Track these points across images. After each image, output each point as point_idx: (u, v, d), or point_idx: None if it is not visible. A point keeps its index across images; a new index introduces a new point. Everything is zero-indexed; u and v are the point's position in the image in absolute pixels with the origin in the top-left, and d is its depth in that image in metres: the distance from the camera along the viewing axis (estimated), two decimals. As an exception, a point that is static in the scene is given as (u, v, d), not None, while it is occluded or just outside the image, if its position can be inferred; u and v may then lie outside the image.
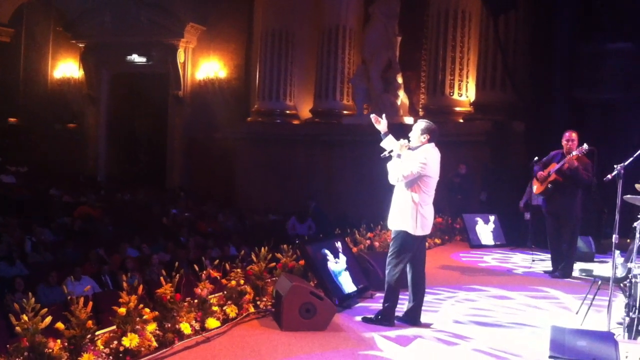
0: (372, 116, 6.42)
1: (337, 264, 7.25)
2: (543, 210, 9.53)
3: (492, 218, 12.67)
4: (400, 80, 17.38)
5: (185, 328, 5.34)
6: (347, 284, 7.20)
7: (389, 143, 6.30)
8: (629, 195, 6.11)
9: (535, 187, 9.52)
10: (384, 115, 6.48)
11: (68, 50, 22.51)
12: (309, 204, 16.01)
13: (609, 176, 6.20)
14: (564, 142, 9.02)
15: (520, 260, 10.88)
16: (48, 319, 4.39)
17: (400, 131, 6.50)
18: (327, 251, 7.25)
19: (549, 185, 9.06)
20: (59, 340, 4.49)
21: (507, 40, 15.35)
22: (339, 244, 7.66)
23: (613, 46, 14.00)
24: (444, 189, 13.69)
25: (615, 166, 6.08)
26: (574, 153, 8.77)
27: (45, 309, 4.42)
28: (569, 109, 13.89)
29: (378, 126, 6.36)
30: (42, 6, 22.60)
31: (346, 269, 7.35)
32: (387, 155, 6.29)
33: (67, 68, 22.74)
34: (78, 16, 21.68)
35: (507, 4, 14.24)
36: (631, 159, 6.23)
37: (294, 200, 16.72)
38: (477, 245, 12.21)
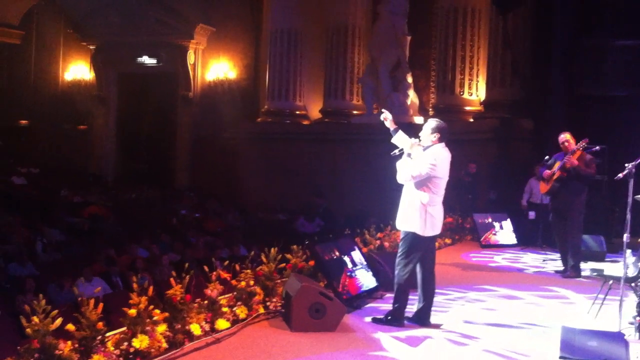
0: (383, 111, 6.44)
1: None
2: (549, 207, 9.53)
3: (505, 223, 12.61)
4: (409, 79, 17.31)
5: (195, 329, 5.35)
6: (366, 280, 7.34)
7: (399, 139, 6.29)
8: (639, 196, 6.08)
9: (541, 187, 9.58)
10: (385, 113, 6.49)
11: (79, 52, 22.57)
12: (318, 203, 15.98)
13: (620, 175, 6.17)
14: (560, 145, 9.10)
15: (530, 260, 10.84)
16: (58, 321, 4.41)
17: (409, 131, 6.49)
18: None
19: (555, 183, 9.09)
20: (69, 342, 4.51)
21: (514, 36, 15.30)
22: (349, 243, 7.69)
23: (617, 42, 13.95)
24: (455, 188, 13.71)
25: (626, 165, 6.06)
26: (575, 149, 8.83)
27: (56, 311, 4.44)
28: (573, 105, 13.86)
29: (387, 123, 6.36)
30: (52, 8, 22.63)
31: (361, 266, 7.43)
32: (397, 153, 6.29)
33: (78, 70, 22.79)
34: (87, 17, 21.71)
35: (515, 1, 14.22)
36: (642, 157, 6.19)
37: (303, 200, 16.70)
38: (488, 245, 12.17)
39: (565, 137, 9.10)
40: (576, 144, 8.93)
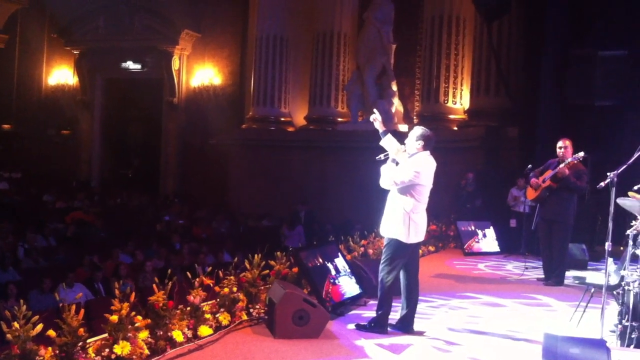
0: (375, 112, 6.50)
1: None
2: (537, 215, 9.53)
3: (488, 231, 12.69)
4: (394, 87, 17.39)
5: (178, 336, 5.32)
6: (349, 287, 7.34)
7: (387, 142, 6.32)
8: (620, 198, 6.11)
9: (528, 193, 9.60)
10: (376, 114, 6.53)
11: (62, 56, 22.48)
12: (299, 209, 16.03)
13: (602, 184, 6.21)
14: (557, 149, 9.07)
15: (513, 268, 10.89)
16: (39, 327, 4.37)
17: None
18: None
19: (544, 191, 9.09)
20: (50, 348, 4.47)
21: (500, 46, 15.40)
22: (333, 250, 7.69)
23: (606, 53, 14.05)
24: (454, 198, 13.78)
25: (608, 174, 6.09)
26: (569, 160, 8.82)
27: (37, 316, 4.41)
28: (561, 114, 13.94)
29: (376, 124, 6.39)
30: (37, 12, 22.54)
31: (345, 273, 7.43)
32: (382, 158, 6.31)
33: (61, 74, 22.70)
34: (72, 22, 21.63)
35: (500, 10, 14.29)
36: (624, 166, 6.23)
37: (288, 206, 16.70)
38: (471, 253, 12.23)
39: (565, 143, 9.00)
40: (573, 154, 8.90)
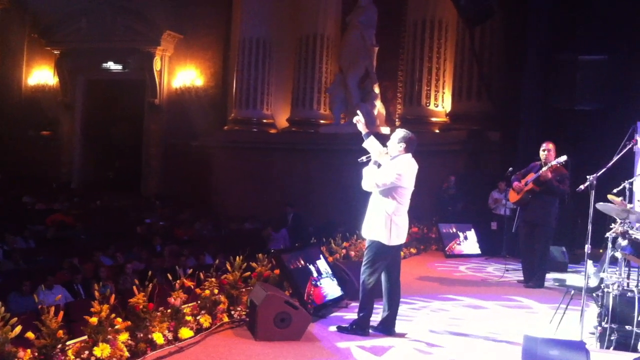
0: (358, 113, 6.52)
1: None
2: (518, 218, 9.58)
3: (469, 233, 12.76)
4: (377, 89, 17.44)
5: (158, 338, 5.29)
6: (331, 289, 7.32)
7: (370, 144, 6.33)
8: (600, 203, 6.16)
9: (510, 196, 9.64)
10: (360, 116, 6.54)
11: (43, 56, 22.30)
12: (287, 211, 16.00)
13: (582, 187, 6.26)
14: (540, 152, 9.12)
15: (494, 270, 10.94)
16: (18, 328, 4.34)
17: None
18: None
19: (526, 195, 9.14)
20: (29, 350, 4.44)
21: (483, 50, 15.49)
22: (315, 252, 7.69)
23: (586, 58, 14.18)
24: (436, 200, 13.83)
25: (587, 177, 6.14)
26: (552, 163, 8.88)
27: (15, 318, 4.37)
28: (543, 118, 14.05)
29: (359, 126, 6.41)
30: (17, 12, 22.35)
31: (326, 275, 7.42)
32: (364, 160, 6.33)
33: (41, 75, 22.51)
34: (54, 22, 21.49)
35: (483, 15, 14.37)
36: (603, 169, 6.30)
37: (271, 209, 16.67)
38: (452, 255, 12.28)
39: (548, 146, 9.06)
40: (556, 157, 8.96)
